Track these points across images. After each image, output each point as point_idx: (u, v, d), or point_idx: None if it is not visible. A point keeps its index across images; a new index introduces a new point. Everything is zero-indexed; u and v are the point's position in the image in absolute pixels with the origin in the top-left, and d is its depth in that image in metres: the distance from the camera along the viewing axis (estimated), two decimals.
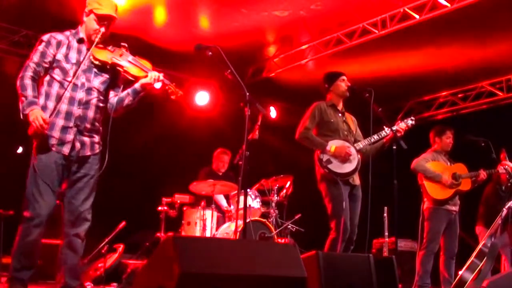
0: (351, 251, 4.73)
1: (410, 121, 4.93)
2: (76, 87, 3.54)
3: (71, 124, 3.52)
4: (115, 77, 3.74)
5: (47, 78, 3.55)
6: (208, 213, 6.24)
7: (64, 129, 3.50)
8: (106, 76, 3.68)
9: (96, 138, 3.68)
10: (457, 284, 4.66)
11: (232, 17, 6.81)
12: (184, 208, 6.58)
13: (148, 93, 3.81)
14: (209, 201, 6.29)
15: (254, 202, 6.31)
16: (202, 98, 8.38)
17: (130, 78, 3.69)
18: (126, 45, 3.75)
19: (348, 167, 4.71)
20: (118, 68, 3.65)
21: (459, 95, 9.08)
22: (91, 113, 3.60)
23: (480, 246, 4.75)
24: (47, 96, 3.51)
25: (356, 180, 4.83)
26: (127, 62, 3.67)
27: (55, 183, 3.47)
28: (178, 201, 6.49)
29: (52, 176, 3.46)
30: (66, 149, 3.50)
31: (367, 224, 4.55)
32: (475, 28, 6.86)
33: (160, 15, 6.84)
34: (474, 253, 4.74)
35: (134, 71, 3.68)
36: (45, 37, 3.59)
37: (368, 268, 3.67)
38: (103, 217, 6.68)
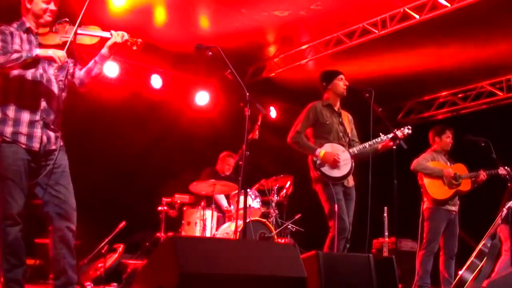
0: (347, 250, 4.73)
1: (406, 130, 4.91)
2: (36, 79, 3.42)
3: (37, 117, 3.39)
4: (71, 55, 3.57)
5: (3, 75, 3.37)
6: (208, 213, 6.24)
7: (31, 123, 3.37)
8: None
9: (58, 133, 3.53)
10: (457, 284, 4.66)
11: (232, 17, 6.81)
12: (184, 208, 6.58)
13: (114, 54, 3.67)
14: (209, 201, 6.29)
15: (254, 202, 6.31)
16: (202, 98, 8.38)
17: (88, 48, 3.53)
18: (67, 19, 3.57)
19: (338, 173, 4.72)
20: (70, 45, 3.44)
21: (459, 95, 9.08)
22: (54, 105, 3.47)
23: (480, 246, 4.75)
24: (8, 91, 3.37)
25: (350, 182, 4.84)
26: (78, 35, 3.49)
27: (23, 181, 3.34)
28: (178, 201, 6.49)
29: (20, 173, 3.32)
30: (36, 144, 3.38)
31: (367, 224, 4.55)
32: (475, 28, 6.86)
33: (160, 15, 6.84)
34: (474, 253, 4.74)
35: (87, 40, 3.54)
36: None
37: (368, 268, 3.67)
38: (103, 217, 6.72)
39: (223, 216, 6.63)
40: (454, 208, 5.79)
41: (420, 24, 6.52)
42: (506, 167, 5.74)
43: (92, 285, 5.45)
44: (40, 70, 3.46)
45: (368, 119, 4.55)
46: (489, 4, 6.09)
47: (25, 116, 3.37)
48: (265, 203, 6.54)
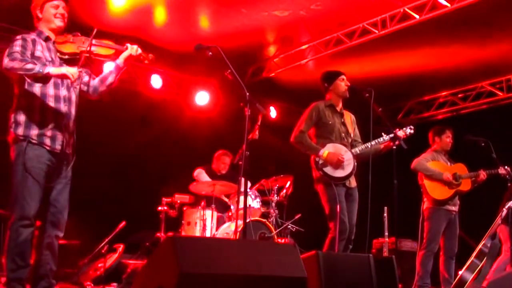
0: (350, 251, 4.73)
1: (409, 130, 4.94)
2: (58, 85, 3.55)
3: (60, 121, 3.52)
4: (86, 65, 3.70)
5: (25, 78, 3.47)
6: (208, 213, 6.23)
7: (54, 126, 3.50)
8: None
9: (73, 138, 3.64)
10: (457, 284, 4.67)
11: (232, 17, 6.81)
12: (184, 208, 6.58)
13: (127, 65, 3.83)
14: (209, 201, 6.28)
15: (254, 202, 6.30)
16: (202, 98, 8.38)
17: (103, 59, 3.73)
18: (79, 33, 3.70)
19: (341, 173, 4.72)
20: (87, 54, 3.58)
21: (459, 95, 9.08)
22: (73, 110, 3.61)
23: (480, 246, 4.76)
24: (32, 96, 3.47)
25: (353, 182, 4.84)
26: (94, 46, 3.63)
27: (43, 183, 3.44)
28: (178, 201, 6.48)
29: (42, 175, 3.43)
30: (58, 146, 3.50)
31: (367, 224, 4.55)
32: (475, 28, 6.86)
33: (160, 15, 6.84)
34: (474, 253, 4.75)
35: (102, 51, 3.68)
36: (19, 36, 3.55)
37: (368, 268, 3.67)
38: (103, 217, 6.72)
39: (223, 216, 6.63)
40: (454, 208, 5.79)
41: (420, 24, 6.51)
42: (506, 167, 5.75)
43: (92, 285, 5.45)
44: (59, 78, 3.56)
45: (368, 119, 4.55)
46: (489, 4, 6.09)
47: (49, 119, 3.49)
48: (265, 203, 6.54)
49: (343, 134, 4.92)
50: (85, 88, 3.75)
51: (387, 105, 9.24)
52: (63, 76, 3.41)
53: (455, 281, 4.81)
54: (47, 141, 3.46)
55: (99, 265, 5.68)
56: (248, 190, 5.72)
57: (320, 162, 4.73)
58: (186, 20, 6.95)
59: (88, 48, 3.55)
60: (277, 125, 8.34)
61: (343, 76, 4.99)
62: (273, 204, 6.41)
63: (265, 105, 8.60)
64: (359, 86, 4.86)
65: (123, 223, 6.04)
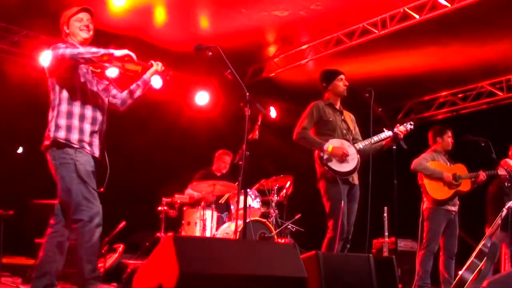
0: (347, 250, 4.72)
1: (409, 125, 4.94)
2: (95, 95, 3.71)
3: (96, 128, 3.67)
4: (112, 78, 3.93)
5: (67, 84, 3.59)
6: (208, 213, 6.23)
7: (92, 133, 3.64)
8: (106, 82, 3.85)
9: (104, 145, 3.78)
10: (457, 284, 4.66)
11: (232, 17, 6.81)
12: (184, 208, 6.58)
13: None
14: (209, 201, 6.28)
15: (254, 202, 6.30)
16: (202, 98, 8.38)
17: (130, 74, 3.79)
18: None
19: (346, 167, 4.71)
20: (118, 68, 3.74)
21: (459, 95, 9.08)
22: (105, 118, 3.77)
23: (480, 246, 4.76)
24: (72, 103, 3.59)
25: (355, 179, 4.83)
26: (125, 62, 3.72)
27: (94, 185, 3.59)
28: (178, 201, 6.48)
29: (92, 178, 3.58)
30: (97, 152, 3.67)
31: (367, 224, 4.55)
32: (475, 28, 6.86)
33: (160, 15, 6.84)
34: (474, 253, 4.75)
35: (132, 67, 3.78)
36: (59, 44, 3.62)
37: (368, 268, 3.67)
38: (103, 217, 6.70)
39: (222, 217, 6.63)
40: (454, 208, 5.78)
41: (420, 24, 6.52)
42: (505, 167, 5.75)
43: None
44: (95, 88, 3.73)
45: (368, 119, 4.55)
46: (489, 4, 6.10)
47: (87, 126, 3.62)
48: (265, 203, 6.54)
49: (344, 131, 4.91)
50: (114, 101, 3.92)
51: (387, 105, 9.24)
52: (127, 56, 3.53)
53: (455, 281, 4.81)
54: (87, 147, 3.59)
55: (99, 265, 5.67)
56: (248, 190, 5.72)
57: (325, 157, 4.69)
58: (186, 20, 6.95)
59: (121, 64, 3.66)
60: (277, 125, 8.34)
61: (341, 76, 4.98)
62: (273, 204, 6.41)
63: (265, 105, 8.60)
64: (359, 86, 4.85)
65: (123, 223, 6.04)
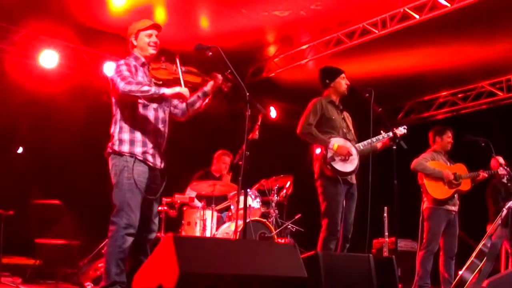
0: (348, 250, 4.72)
1: (402, 129, 4.98)
2: (156, 108, 3.78)
3: (158, 141, 3.78)
4: None
5: (128, 101, 3.66)
6: (208, 213, 6.23)
7: (155, 145, 3.75)
8: None
9: (164, 155, 3.88)
10: (457, 284, 4.67)
11: (232, 17, 6.81)
12: (184, 208, 6.57)
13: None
14: (209, 201, 6.28)
15: (254, 202, 6.30)
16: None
17: (189, 85, 3.83)
18: (163, 57, 3.90)
19: (348, 167, 4.70)
20: (179, 81, 3.75)
21: (459, 95, 9.08)
22: (166, 130, 3.88)
23: (480, 246, 4.76)
24: (135, 117, 3.68)
25: (353, 178, 4.84)
26: (183, 74, 3.80)
27: (144, 195, 3.66)
28: (178, 201, 6.47)
29: (144, 188, 3.65)
30: (159, 163, 3.79)
31: (367, 224, 4.55)
32: (475, 28, 6.86)
33: (160, 15, 6.84)
34: (474, 253, 4.75)
35: (190, 78, 3.88)
36: (121, 61, 3.72)
37: (368, 268, 3.67)
38: (104, 217, 6.69)
39: (222, 217, 6.63)
40: (454, 208, 5.79)
41: (420, 24, 6.51)
42: (505, 167, 5.75)
43: (92, 285, 5.45)
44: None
45: (368, 119, 4.55)
46: (489, 4, 6.10)
47: (150, 138, 3.74)
48: (265, 203, 6.53)
49: (344, 130, 4.91)
50: (175, 111, 4.01)
51: (387, 105, 9.23)
52: (178, 95, 3.61)
53: (455, 281, 4.82)
54: (150, 158, 3.71)
55: (99, 265, 5.68)
56: (248, 190, 5.72)
57: (329, 155, 4.67)
58: (186, 20, 6.95)
59: (182, 76, 3.75)
60: (277, 125, 8.33)
61: (343, 75, 5.00)
62: (273, 204, 6.41)
63: (265, 105, 8.60)
64: (359, 86, 4.86)
65: None
